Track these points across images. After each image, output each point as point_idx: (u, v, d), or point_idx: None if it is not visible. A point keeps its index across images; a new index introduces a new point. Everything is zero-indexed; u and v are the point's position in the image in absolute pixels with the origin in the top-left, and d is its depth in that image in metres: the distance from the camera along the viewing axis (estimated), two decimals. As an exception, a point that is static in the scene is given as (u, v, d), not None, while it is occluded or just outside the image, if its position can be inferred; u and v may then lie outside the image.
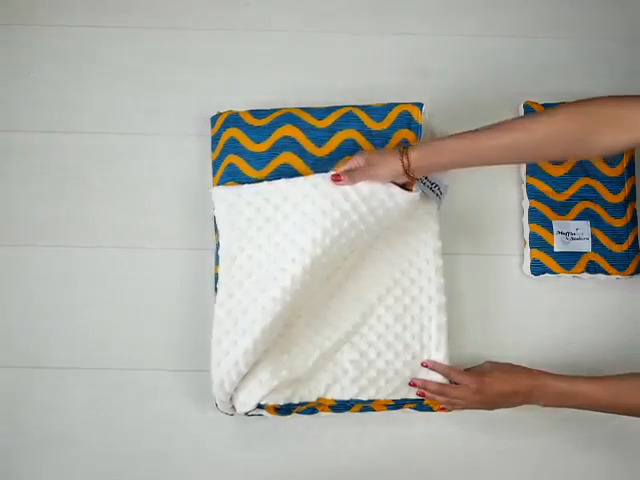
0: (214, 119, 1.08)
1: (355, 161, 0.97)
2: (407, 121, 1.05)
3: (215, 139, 1.07)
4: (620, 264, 1.07)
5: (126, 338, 1.06)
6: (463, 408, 1.00)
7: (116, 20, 1.15)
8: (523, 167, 1.11)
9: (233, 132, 1.06)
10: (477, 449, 1.05)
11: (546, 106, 1.11)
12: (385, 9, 1.17)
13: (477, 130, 0.92)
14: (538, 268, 1.07)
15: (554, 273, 1.07)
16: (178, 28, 1.16)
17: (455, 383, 0.99)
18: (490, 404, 0.99)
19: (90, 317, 1.07)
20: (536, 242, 1.08)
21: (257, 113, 1.07)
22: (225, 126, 1.06)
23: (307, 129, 1.05)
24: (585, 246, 1.08)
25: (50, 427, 1.03)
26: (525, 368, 0.98)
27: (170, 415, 1.04)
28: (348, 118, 1.06)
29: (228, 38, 1.15)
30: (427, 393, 0.99)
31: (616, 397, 0.93)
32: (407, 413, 1.01)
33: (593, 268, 1.07)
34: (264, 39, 1.15)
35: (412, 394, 1.00)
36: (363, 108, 1.07)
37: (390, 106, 1.06)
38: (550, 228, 1.08)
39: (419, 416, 1.02)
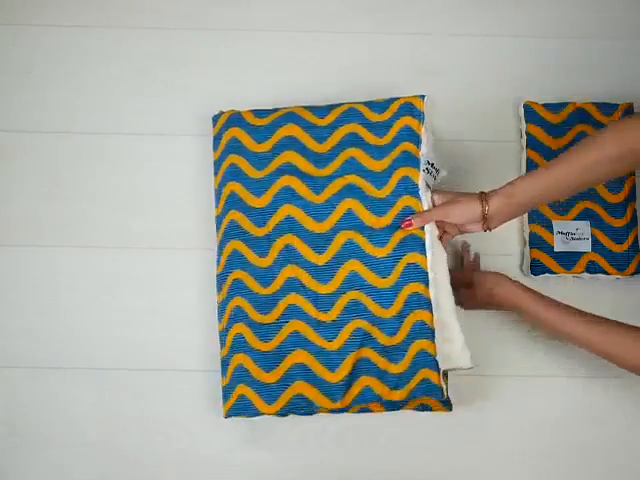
0: (215, 118, 1.07)
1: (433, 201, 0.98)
2: (409, 109, 1.02)
3: (217, 139, 1.06)
4: (620, 264, 1.07)
5: (126, 338, 1.06)
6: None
7: (116, 20, 1.15)
8: (523, 166, 1.11)
9: (235, 132, 1.04)
10: (474, 450, 1.05)
11: (546, 106, 1.11)
12: (386, 9, 1.17)
13: (548, 167, 0.91)
14: (538, 268, 1.07)
15: (554, 273, 1.07)
16: (178, 28, 1.15)
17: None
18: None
19: (90, 317, 1.07)
20: (536, 242, 1.08)
21: (259, 112, 1.06)
22: (227, 126, 1.05)
23: (309, 127, 1.04)
24: (585, 246, 1.08)
25: (50, 427, 1.03)
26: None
27: (171, 416, 1.05)
28: (349, 113, 1.04)
29: (228, 38, 1.15)
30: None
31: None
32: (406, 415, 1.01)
33: (593, 268, 1.07)
34: (264, 39, 1.15)
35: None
36: (365, 104, 1.05)
37: (392, 99, 1.04)
38: (550, 228, 1.08)
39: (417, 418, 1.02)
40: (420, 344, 0.94)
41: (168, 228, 1.09)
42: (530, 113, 1.11)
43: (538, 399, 1.06)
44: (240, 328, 0.97)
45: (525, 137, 1.11)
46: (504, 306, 1.00)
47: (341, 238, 0.99)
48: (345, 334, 0.96)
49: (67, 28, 1.15)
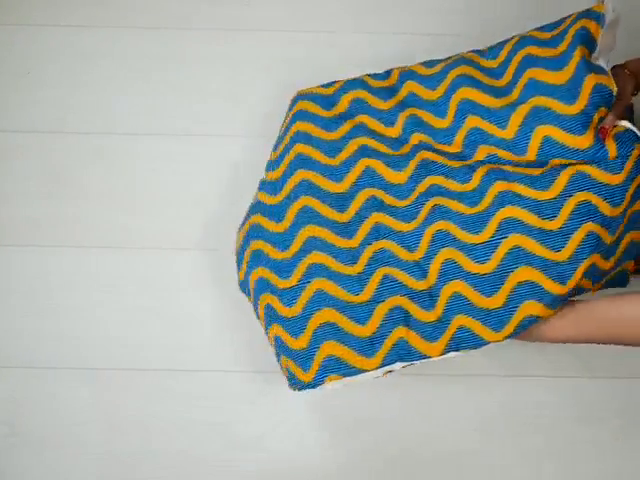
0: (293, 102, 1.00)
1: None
2: (587, 14, 0.88)
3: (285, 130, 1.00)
4: (621, 264, 1.07)
5: (125, 338, 1.06)
6: None
7: (115, 20, 1.15)
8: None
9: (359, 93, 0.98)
10: (475, 450, 1.05)
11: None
12: (385, 9, 1.17)
13: None
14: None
15: (555, 273, 1.07)
16: (179, 28, 1.16)
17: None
18: None
19: (89, 317, 1.07)
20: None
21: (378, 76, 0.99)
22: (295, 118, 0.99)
23: (482, 69, 0.94)
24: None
25: (49, 427, 1.03)
26: None
27: (171, 416, 1.04)
28: (520, 43, 0.92)
29: (228, 38, 1.16)
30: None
31: None
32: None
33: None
34: (264, 39, 1.16)
35: None
36: (535, 29, 0.94)
37: (564, 18, 0.92)
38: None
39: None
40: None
41: (165, 228, 1.09)
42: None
43: (537, 398, 1.06)
44: (321, 283, 0.90)
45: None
46: None
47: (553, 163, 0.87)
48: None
49: (65, 28, 1.15)
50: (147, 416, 1.04)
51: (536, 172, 0.86)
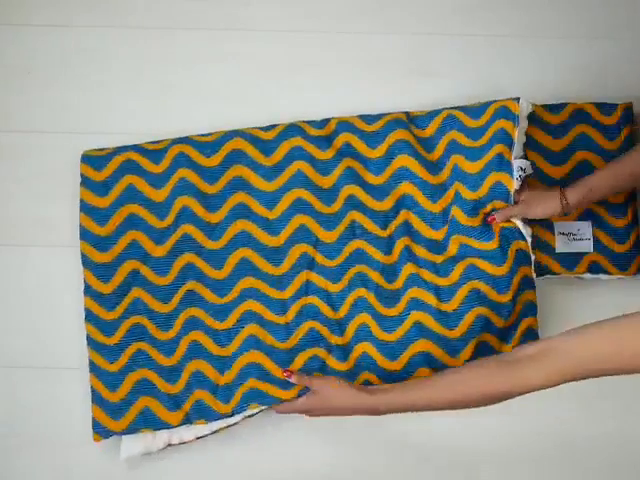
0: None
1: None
2: (504, 113, 1.04)
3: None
4: (622, 264, 1.07)
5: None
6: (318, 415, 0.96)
7: (116, 20, 1.15)
8: (523, 167, 1.11)
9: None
10: (475, 452, 1.04)
11: (546, 107, 1.11)
12: (385, 9, 1.17)
13: (618, 160, 1.01)
14: (540, 269, 1.07)
15: (556, 274, 1.07)
16: (179, 28, 1.15)
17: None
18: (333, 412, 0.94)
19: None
20: (537, 243, 1.07)
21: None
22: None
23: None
24: (587, 246, 1.07)
25: (49, 427, 1.02)
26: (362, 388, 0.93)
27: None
28: (449, 120, 1.08)
29: (228, 38, 1.15)
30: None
31: (449, 392, 0.87)
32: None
33: (595, 268, 1.07)
34: (264, 39, 1.15)
35: None
36: (462, 110, 1.08)
37: (488, 103, 1.07)
38: (551, 229, 1.08)
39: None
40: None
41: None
42: (530, 113, 1.11)
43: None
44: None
45: (525, 138, 1.11)
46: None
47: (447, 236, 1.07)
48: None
49: (66, 28, 1.15)
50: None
51: (438, 260, 1.04)
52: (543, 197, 1.01)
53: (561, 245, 1.07)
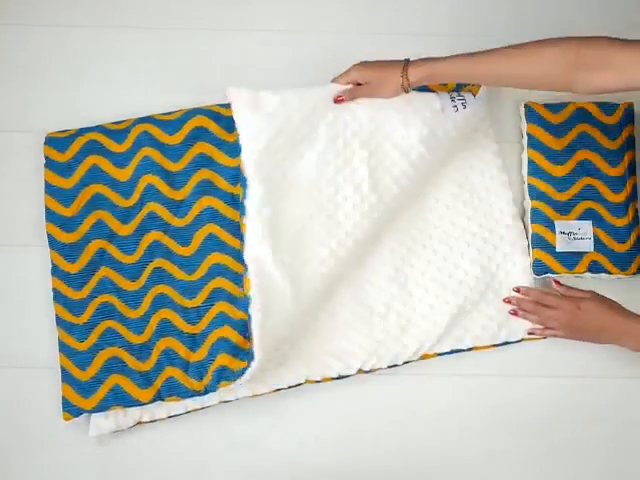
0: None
1: (352, 76, 1.02)
2: None
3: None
4: (622, 263, 1.07)
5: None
6: (554, 335, 1.02)
7: (116, 20, 1.15)
8: (524, 167, 1.11)
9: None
10: (475, 453, 1.05)
11: (547, 106, 1.11)
12: (385, 9, 1.17)
13: (475, 54, 0.97)
14: (540, 268, 1.07)
15: (556, 273, 1.07)
16: (179, 28, 1.15)
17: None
18: (578, 333, 1.01)
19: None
20: (538, 242, 1.08)
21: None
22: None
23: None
24: (587, 246, 1.07)
25: (50, 427, 1.02)
26: (625, 310, 0.99)
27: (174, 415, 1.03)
28: None
29: (228, 38, 1.15)
30: (520, 312, 1.03)
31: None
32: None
33: (595, 268, 1.07)
34: (264, 39, 1.15)
35: (512, 335, 1.05)
36: None
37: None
38: (552, 228, 1.08)
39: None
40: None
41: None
42: (531, 113, 1.11)
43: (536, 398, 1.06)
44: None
45: (526, 137, 1.11)
46: None
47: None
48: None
49: (66, 28, 1.15)
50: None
51: (193, 278, 1.03)
52: (385, 78, 1.01)
53: (562, 244, 1.07)
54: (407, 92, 1.01)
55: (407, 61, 1.00)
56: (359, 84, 1.03)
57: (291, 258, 1.00)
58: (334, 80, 1.04)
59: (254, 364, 0.96)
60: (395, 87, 1.00)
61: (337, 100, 1.03)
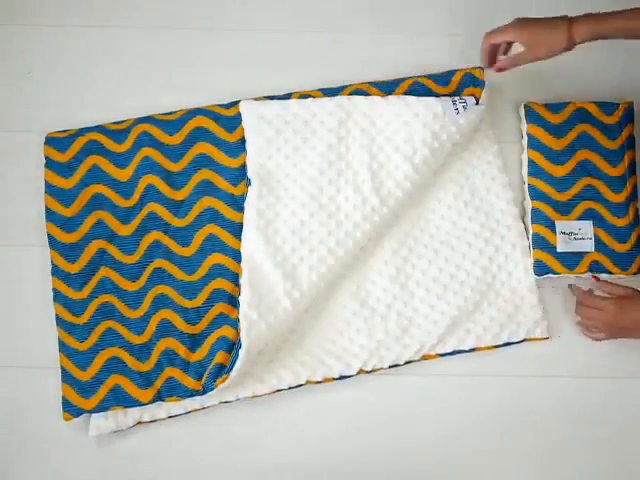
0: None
1: (507, 37, 0.99)
2: (471, 80, 1.10)
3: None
4: (623, 263, 1.07)
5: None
6: (597, 339, 1.01)
7: (117, 20, 1.15)
8: (524, 168, 1.11)
9: None
10: (476, 453, 1.04)
11: (547, 106, 1.11)
12: (385, 9, 1.17)
13: (635, 9, 0.94)
14: (541, 268, 1.07)
15: (557, 273, 1.07)
16: (179, 28, 1.16)
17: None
18: (622, 332, 1.00)
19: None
20: (539, 242, 1.08)
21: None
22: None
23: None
24: (588, 246, 1.07)
25: (50, 427, 1.02)
26: None
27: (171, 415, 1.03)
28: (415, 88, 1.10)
29: (228, 38, 1.15)
30: None
31: None
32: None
33: (596, 268, 1.07)
34: (265, 39, 1.16)
35: (514, 336, 1.05)
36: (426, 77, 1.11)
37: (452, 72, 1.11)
38: (553, 228, 1.08)
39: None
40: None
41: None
42: (531, 113, 1.11)
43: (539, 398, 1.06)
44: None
45: (526, 138, 1.12)
46: None
47: None
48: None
49: (66, 28, 1.15)
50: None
51: (193, 278, 1.03)
52: (547, 39, 0.96)
53: (563, 244, 1.07)
54: (570, 50, 0.97)
55: (569, 18, 0.96)
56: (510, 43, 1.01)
57: (289, 251, 1.01)
58: (488, 34, 1.01)
59: (242, 352, 0.96)
60: (558, 47, 0.96)
61: (498, 69, 1.01)
